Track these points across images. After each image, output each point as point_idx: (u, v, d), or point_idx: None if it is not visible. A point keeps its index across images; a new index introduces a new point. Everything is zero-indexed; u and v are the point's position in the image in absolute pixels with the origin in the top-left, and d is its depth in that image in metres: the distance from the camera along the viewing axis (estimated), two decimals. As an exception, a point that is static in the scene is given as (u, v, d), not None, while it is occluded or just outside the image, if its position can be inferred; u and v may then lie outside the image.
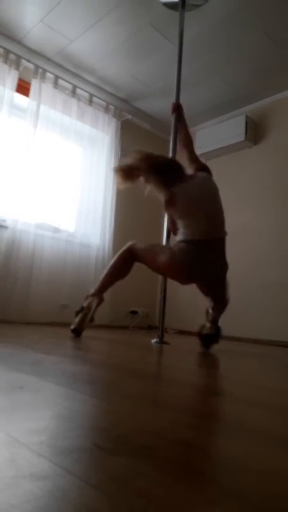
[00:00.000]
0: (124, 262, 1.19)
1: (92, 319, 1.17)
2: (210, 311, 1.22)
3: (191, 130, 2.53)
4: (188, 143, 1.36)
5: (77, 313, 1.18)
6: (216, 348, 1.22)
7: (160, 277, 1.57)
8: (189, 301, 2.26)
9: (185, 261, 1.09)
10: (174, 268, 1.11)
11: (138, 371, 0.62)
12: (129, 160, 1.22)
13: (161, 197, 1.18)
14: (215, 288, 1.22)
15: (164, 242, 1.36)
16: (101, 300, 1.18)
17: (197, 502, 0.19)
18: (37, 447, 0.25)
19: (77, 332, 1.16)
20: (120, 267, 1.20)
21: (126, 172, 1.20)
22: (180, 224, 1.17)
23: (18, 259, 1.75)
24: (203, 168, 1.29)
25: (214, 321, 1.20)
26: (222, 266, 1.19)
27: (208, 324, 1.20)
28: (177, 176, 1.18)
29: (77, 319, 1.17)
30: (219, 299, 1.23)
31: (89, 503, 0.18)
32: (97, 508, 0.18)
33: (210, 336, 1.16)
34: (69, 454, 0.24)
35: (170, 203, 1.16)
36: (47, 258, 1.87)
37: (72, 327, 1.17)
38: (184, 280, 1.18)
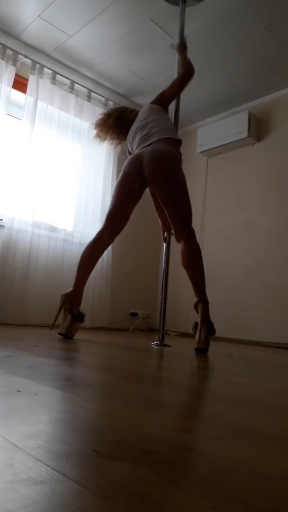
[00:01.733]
0: None
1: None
2: (198, 304, 1.07)
3: (192, 126, 2.53)
4: (182, 77, 1.31)
5: None
6: (216, 350, 1.22)
7: (160, 279, 1.58)
8: (190, 302, 2.26)
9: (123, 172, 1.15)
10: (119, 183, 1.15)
11: (138, 374, 0.62)
12: (102, 116, 1.34)
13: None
14: (164, 204, 1.11)
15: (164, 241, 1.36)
16: None
17: (197, 507, 0.19)
18: (34, 452, 0.25)
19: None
20: None
21: (101, 128, 1.33)
22: None
23: (14, 258, 1.74)
24: (155, 99, 1.29)
25: (199, 304, 1.05)
26: (160, 170, 1.09)
27: (199, 324, 1.06)
28: (125, 123, 1.28)
29: None
30: (180, 223, 1.10)
31: (87, 508, 0.18)
32: (95, 514, 0.18)
33: (201, 349, 1.05)
34: (67, 458, 0.24)
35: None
36: (44, 257, 1.86)
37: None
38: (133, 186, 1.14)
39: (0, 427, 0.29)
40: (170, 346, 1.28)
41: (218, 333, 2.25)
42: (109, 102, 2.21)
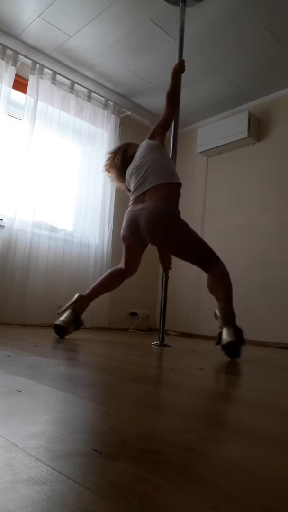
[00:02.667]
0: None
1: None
2: (217, 310, 1.03)
3: (192, 127, 2.53)
4: (169, 96, 1.28)
5: None
6: (216, 350, 1.21)
7: (160, 278, 1.57)
8: (190, 302, 2.27)
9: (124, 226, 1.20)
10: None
11: (138, 374, 0.62)
12: (109, 162, 1.35)
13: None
14: (178, 250, 1.12)
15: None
16: None
17: (197, 507, 0.19)
18: (34, 452, 0.25)
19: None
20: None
21: (109, 169, 1.34)
22: None
23: (15, 258, 1.74)
24: (151, 133, 1.28)
25: (225, 316, 0.99)
26: (160, 219, 1.08)
27: (222, 327, 0.98)
28: (125, 162, 1.29)
29: None
30: (201, 264, 1.10)
31: (87, 508, 0.18)
32: (95, 513, 0.18)
33: (231, 345, 0.94)
34: (67, 458, 0.24)
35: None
36: (45, 257, 1.86)
37: None
38: (132, 240, 1.19)
39: (1, 427, 0.29)
40: (170, 346, 1.28)
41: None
42: (109, 102, 2.21)
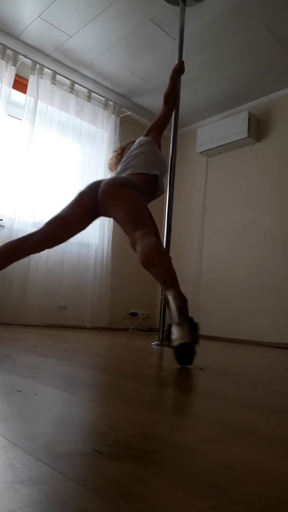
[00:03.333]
0: None
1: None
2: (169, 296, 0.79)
3: (192, 126, 2.53)
4: (167, 96, 1.27)
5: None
6: (216, 350, 1.21)
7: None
8: (189, 302, 2.26)
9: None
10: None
11: (138, 374, 0.62)
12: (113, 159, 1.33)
13: None
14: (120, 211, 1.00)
15: (164, 241, 1.36)
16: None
17: (198, 507, 0.19)
18: (34, 451, 0.25)
19: None
20: None
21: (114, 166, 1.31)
22: None
23: (15, 258, 1.74)
24: (147, 130, 1.27)
25: (175, 303, 0.76)
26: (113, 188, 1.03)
27: (172, 321, 0.74)
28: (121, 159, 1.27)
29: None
30: (129, 235, 0.97)
31: (87, 508, 0.18)
32: (95, 513, 0.18)
33: (183, 347, 0.71)
34: (67, 458, 0.24)
35: None
36: (45, 258, 1.86)
37: None
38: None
39: (1, 426, 0.29)
40: (170, 346, 1.28)
41: (218, 333, 2.25)
42: (109, 102, 2.21)
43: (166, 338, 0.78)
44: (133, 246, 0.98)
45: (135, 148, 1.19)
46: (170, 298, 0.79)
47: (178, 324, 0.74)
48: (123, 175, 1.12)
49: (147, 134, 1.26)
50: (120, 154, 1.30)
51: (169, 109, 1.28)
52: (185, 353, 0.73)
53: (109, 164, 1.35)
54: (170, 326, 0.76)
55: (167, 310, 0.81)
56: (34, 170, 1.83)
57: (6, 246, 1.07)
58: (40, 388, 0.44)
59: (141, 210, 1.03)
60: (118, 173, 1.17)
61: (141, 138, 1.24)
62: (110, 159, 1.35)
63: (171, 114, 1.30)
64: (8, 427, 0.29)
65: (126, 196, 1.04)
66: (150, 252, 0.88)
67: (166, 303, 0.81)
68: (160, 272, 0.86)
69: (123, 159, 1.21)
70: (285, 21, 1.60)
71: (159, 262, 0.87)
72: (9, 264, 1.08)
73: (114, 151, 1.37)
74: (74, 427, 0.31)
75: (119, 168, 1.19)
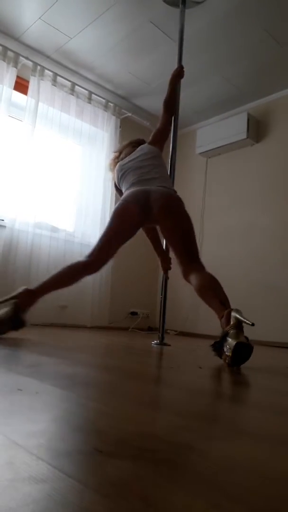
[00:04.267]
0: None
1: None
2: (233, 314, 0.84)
3: (192, 128, 2.53)
4: (166, 102, 1.28)
5: None
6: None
7: (160, 278, 1.56)
8: (189, 302, 2.27)
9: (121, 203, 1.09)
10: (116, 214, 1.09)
11: (138, 373, 0.62)
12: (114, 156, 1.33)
13: None
14: (173, 240, 1.04)
15: (164, 241, 1.37)
16: None
17: (198, 506, 0.19)
18: (35, 450, 0.25)
19: None
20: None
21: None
22: None
23: (16, 259, 1.75)
24: (152, 137, 1.27)
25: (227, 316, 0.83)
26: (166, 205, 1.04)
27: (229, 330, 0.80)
28: (123, 156, 1.25)
29: None
30: (190, 255, 1.02)
31: (88, 507, 0.18)
32: (96, 511, 0.18)
33: (240, 348, 0.75)
34: (68, 457, 0.24)
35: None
36: (46, 258, 1.86)
37: None
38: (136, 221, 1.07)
39: (2, 425, 0.29)
40: (169, 345, 1.28)
41: (218, 333, 2.24)
42: (110, 103, 2.22)
43: (216, 348, 0.83)
44: (186, 275, 1.05)
45: (151, 157, 1.17)
46: (234, 312, 0.85)
47: (239, 331, 0.80)
48: (152, 185, 1.09)
49: (153, 143, 1.24)
50: (117, 157, 1.29)
51: (170, 116, 1.29)
52: (242, 351, 0.77)
53: (110, 165, 1.35)
54: (227, 334, 0.81)
55: (223, 326, 0.85)
56: (35, 171, 1.84)
57: (64, 273, 1.06)
58: (41, 386, 0.44)
59: (194, 233, 1.07)
60: (140, 179, 1.12)
61: (152, 148, 1.21)
62: (111, 160, 1.35)
63: (172, 122, 1.31)
64: (9, 426, 0.29)
65: (186, 213, 1.07)
66: (214, 284, 0.97)
67: (226, 319, 0.85)
68: (220, 297, 0.94)
69: (132, 163, 1.18)
70: (283, 22, 1.60)
71: (220, 291, 0.96)
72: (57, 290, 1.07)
73: (115, 152, 1.37)
74: (75, 425, 0.31)
75: (133, 176, 1.14)
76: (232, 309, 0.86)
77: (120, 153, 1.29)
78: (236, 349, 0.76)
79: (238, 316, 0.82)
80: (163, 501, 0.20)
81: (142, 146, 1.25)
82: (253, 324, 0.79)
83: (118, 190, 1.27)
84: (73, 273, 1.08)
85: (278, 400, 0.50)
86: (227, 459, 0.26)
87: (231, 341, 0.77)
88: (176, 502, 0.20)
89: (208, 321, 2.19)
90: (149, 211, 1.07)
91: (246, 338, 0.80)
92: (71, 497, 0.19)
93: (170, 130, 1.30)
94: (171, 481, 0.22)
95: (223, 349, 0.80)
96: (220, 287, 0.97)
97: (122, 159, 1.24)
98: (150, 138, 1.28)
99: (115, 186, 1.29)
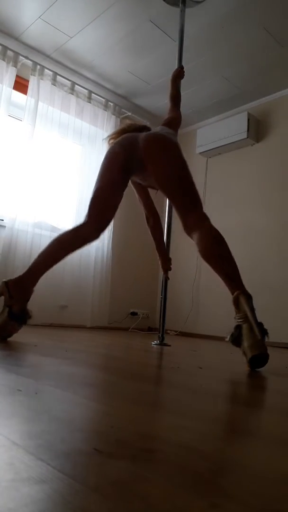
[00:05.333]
0: None
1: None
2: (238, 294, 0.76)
3: (192, 127, 2.53)
4: (173, 97, 1.24)
5: None
6: (216, 349, 1.21)
7: (160, 278, 1.55)
8: (189, 302, 2.27)
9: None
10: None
11: (138, 374, 0.62)
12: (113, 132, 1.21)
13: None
14: (166, 189, 0.89)
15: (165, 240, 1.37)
16: None
17: (197, 506, 0.19)
18: (35, 450, 0.25)
19: None
20: None
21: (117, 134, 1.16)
22: None
23: (15, 258, 1.75)
24: (165, 120, 1.14)
25: (236, 302, 0.75)
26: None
27: (242, 322, 0.73)
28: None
29: None
30: (183, 216, 0.88)
31: (88, 507, 0.18)
32: (96, 511, 0.18)
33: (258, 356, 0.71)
34: (67, 457, 0.24)
35: None
36: (46, 257, 1.86)
37: None
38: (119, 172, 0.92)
39: (1, 425, 0.29)
40: (169, 346, 1.28)
41: (218, 333, 2.25)
42: (109, 103, 2.21)
43: (234, 339, 0.76)
44: (188, 229, 0.89)
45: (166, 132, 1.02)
46: (242, 300, 0.75)
47: (253, 332, 0.72)
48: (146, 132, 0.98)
49: (167, 125, 1.12)
50: (120, 133, 1.11)
51: (179, 110, 1.24)
52: (260, 361, 0.74)
53: (110, 138, 1.16)
54: (240, 328, 0.75)
55: (236, 311, 0.76)
56: (35, 170, 1.84)
57: (52, 246, 0.92)
58: (40, 387, 0.44)
59: (194, 184, 0.90)
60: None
61: (168, 128, 1.08)
62: (113, 133, 1.15)
63: (181, 115, 1.26)
64: (9, 426, 0.29)
65: (178, 154, 0.92)
66: (214, 243, 0.82)
67: (235, 303, 0.75)
68: (227, 269, 0.79)
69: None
70: (283, 22, 1.60)
71: (226, 256, 0.81)
72: (51, 268, 0.92)
73: (122, 125, 1.18)
74: (75, 426, 0.31)
75: None
76: (239, 295, 0.76)
77: (128, 127, 1.12)
78: (252, 362, 0.73)
79: (248, 314, 0.74)
80: (163, 501, 0.20)
81: (156, 127, 1.11)
82: (263, 328, 0.73)
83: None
84: (69, 242, 0.92)
85: (279, 400, 0.50)
86: (227, 459, 0.26)
87: (247, 349, 0.73)
88: (176, 502, 0.19)
89: (208, 321, 2.20)
90: (136, 155, 0.94)
91: (262, 332, 0.73)
92: (70, 498, 0.19)
93: (181, 120, 1.22)
94: (170, 481, 0.22)
95: (242, 347, 0.75)
96: (226, 251, 0.81)
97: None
98: (166, 121, 1.15)
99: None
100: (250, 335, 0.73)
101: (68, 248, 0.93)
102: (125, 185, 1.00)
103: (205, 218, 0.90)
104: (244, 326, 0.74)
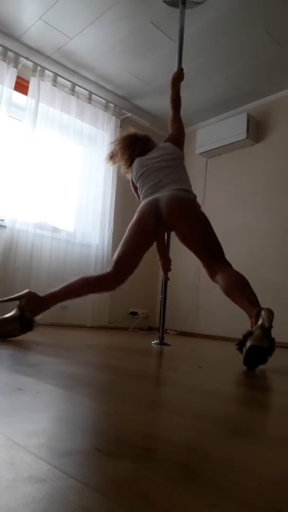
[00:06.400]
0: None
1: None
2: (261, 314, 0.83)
3: (192, 128, 2.53)
4: (173, 100, 1.27)
5: None
6: (216, 349, 1.21)
7: (160, 278, 1.56)
8: (189, 302, 2.27)
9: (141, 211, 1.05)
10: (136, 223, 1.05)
11: (138, 373, 0.62)
12: (114, 144, 1.28)
13: (128, 176, 1.23)
14: (190, 244, 1.01)
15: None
16: None
17: (197, 505, 0.19)
18: (36, 450, 0.25)
19: None
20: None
21: (111, 157, 1.26)
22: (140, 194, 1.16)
23: (16, 259, 1.75)
24: (171, 137, 1.22)
25: (256, 317, 0.83)
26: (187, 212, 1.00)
27: (255, 329, 0.79)
28: (142, 150, 1.20)
29: None
30: (214, 256, 0.99)
31: (88, 506, 0.18)
32: (96, 510, 0.18)
33: (256, 350, 0.75)
34: (68, 456, 0.24)
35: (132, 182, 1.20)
36: (47, 258, 1.87)
37: None
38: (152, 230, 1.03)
39: (2, 425, 0.29)
40: (169, 345, 1.28)
41: (218, 333, 2.24)
42: (110, 104, 2.22)
43: (240, 343, 0.80)
44: (213, 275, 1.00)
45: (171, 159, 1.12)
46: (265, 313, 0.83)
47: (264, 333, 0.76)
48: (166, 191, 1.05)
49: (176, 143, 1.18)
50: (145, 144, 1.20)
51: (180, 116, 1.26)
52: (257, 356, 0.75)
53: (110, 154, 1.25)
54: (251, 333, 0.79)
55: (253, 322, 0.82)
56: (36, 171, 1.84)
57: (77, 284, 1.02)
58: (41, 386, 0.44)
59: (216, 236, 1.03)
60: (155, 185, 1.09)
61: (175, 148, 1.16)
62: (113, 149, 1.25)
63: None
64: (10, 425, 0.29)
65: (202, 214, 1.03)
66: (241, 283, 0.94)
67: (255, 317, 0.82)
68: (248, 296, 0.90)
69: (152, 162, 1.12)
70: (283, 22, 1.60)
71: (247, 289, 0.92)
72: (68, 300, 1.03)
73: (118, 141, 1.26)
74: (75, 425, 0.31)
75: (152, 180, 1.09)
76: (262, 308, 0.83)
77: (137, 140, 1.20)
78: (249, 351, 0.74)
79: (266, 323, 0.79)
80: (163, 500, 0.20)
81: (164, 144, 1.19)
82: (273, 343, 0.77)
83: (134, 186, 1.22)
84: (91, 286, 1.04)
85: (279, 400, 0.50)
86: (227, 459, 0.26)
87: (248, 342, 0.76)
88: (176, 501, 0.20)
89: (208, 321, 2.20)
90: (161, 218, 1.04)
91: (271, 340, 0.77)
92: (71, 497, 0.19)
93: (184, 135, 1.26)
94: (171, 481, 0.22)
95: (243, 347, 0.78)
96: (247, 284, 0.93)
97: (144, 150, 1.17)
98: (172, 137, 1.20)
99: (131, 182, 1.23)
100: (259, 333, 0.75)
101: (89, 289, 1.05)
102: (151, 244, 1.12)
103: (229, 265, 1.01)
104: (256, 331, 0.77)
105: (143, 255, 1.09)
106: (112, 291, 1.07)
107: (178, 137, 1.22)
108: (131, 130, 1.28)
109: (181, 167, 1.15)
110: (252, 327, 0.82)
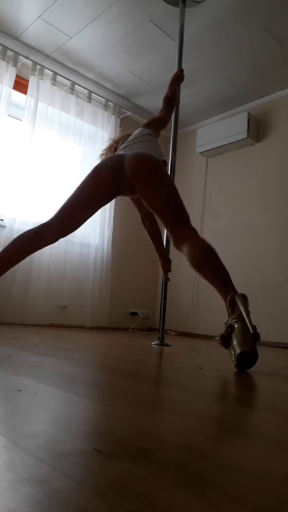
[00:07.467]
0: None
1: None
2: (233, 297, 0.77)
3: (192, 127, 2.53)
4: (167, 99, 1.26)
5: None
6: (215, 349, 1.21)
7: (160, 278, 1.55)
8: (189, 302, 2.27)
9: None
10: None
11: (138, 374, 0.62)
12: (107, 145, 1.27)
13: None
14: (153, 207, 0.92)
15: (164, 241, 1.37)
16: None
17: (197, 506, 0.19)
18: (35, 451, 0.25)
19: None
20: None
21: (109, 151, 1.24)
22: None
23: (16, 258, 1.75)
24: (149, 121, 1.19)
25: (231, 304, 0.76)
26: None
27: (234, 323, 0.73)
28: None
29: None
30: (176, 219, 0.90)
31: (88, 507, 0.18)
32: (96, 511, 0.18)
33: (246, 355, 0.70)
34: (67, 457, 0.24)
35: None
36: (46, 258, 1.87)
37: None
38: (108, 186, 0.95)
39: (1, 426, 0.29)
40: (169, 346, 1.28)
41: (218, 333, 2.24)
42: (109, 103, 2.21)
43: (224, 339, 0.76)
44: (178, 244, 0.91)
45: (138, 136, 1.09)
46: (238, 299, 0.76)
47: (245, 331, 0.71)
48: (132, 151, 0.99)
49: (147, 126, 1.17)
50: (115, 147, 1.21)
51: (170, 112, 1.27)
52: (248, 360, 0.73)
53: (101, 155, 1.24)
54: (232, 328, 0.74)
55: (229, 312, 0.76)
56: (35, 170, 1.84)
57: (17, 245, 0.92)
58: (40, 387, 0.44)
59: (181, 200, 0.93)
60: (123, 149, 1.05)
61: (143, 129, 1.14)
62: (104, 149, 1.25)
63: (170, 117, 1.29)
64: (9, 426, 0.29)
65: (164, 174, 0.95)
66: (206, 253, 0.84)
67: (230, 304, 0.75)
68: (220, 275, 0.82)
69: (123, 145, 1.09)
70: (283, 21, 1.60)
71: (218, 265, 0.83)
72: (16, 264, 0.95)
73: (111, 140, 1.27)
74: (75, 426, 0.31)
75: (128, 145, 1.05)
76: (235, 295, 0.77)
77: (117, 143, 1.21)
78: (239, 359, 0.72)
79: (244, 314, 0.73)
80: (163, 501, 0.20)
81: (136, 130, 1.16)
82: (256, 332, 0.72)
83: None
84: (27, 242, 0.92)
85: (280, 401, 0.50)
86: (227, 460, 0.26)
87: (235, 346, 0.72)
88: (176, 502, 0.20)
89: (208, 321, 2.20)
90: (123, 178, 0.96)
91: (254, 334, 0.72)
92: (70, 498, 0.19)
93: (167, 123, 1.23)
94: (170, 482, 0.22)
95: (230, 347, 0.75)
96: (218, 260, 0.84)
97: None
98: (147, 121, 1.19)
99: None
100: (242, 333, 0.72)
101: (28, 249, 0.94)
102: (102, 204, 1.01)
103: (195, 232, 0.92)
104: (237, 325, 0.73)
105: (90, 214, 0.99)
106: (49, 244, 0.95)
107: (157, 120, 1.19)
108: (123, 135, 1.27)
109: (154, 141, 1.10)
110: (228, 314, 0.77)
